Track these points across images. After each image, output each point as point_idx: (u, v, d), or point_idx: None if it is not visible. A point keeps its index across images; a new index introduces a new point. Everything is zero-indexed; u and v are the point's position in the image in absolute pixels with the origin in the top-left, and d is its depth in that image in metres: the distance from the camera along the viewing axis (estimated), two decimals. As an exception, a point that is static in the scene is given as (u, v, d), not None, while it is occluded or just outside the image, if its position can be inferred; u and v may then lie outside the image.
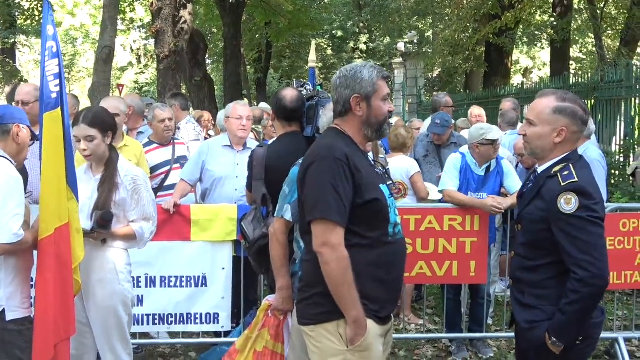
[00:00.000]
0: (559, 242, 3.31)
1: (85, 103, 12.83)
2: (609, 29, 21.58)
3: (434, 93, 16.51)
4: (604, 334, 6.04)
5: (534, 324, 3.42)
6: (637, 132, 10.66)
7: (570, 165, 3.40)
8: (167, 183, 6.64)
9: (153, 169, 6.58)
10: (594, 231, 3.27)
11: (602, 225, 3.32)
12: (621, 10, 19.89)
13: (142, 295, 5.75)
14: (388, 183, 3.59)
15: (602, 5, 18.07)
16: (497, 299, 7.50)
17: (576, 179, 3.31)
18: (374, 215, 3.30)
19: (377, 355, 3.35)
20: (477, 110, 9.89)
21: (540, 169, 3.54)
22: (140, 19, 31.83)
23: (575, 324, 3.32)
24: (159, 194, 6.43)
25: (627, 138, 10.80)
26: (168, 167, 6.69)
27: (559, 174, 3.37)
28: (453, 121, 8.22)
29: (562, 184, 3.31)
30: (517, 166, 7.00)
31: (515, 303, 3.58)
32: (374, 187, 3.32)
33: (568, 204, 3.27)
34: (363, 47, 37.87)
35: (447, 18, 24.89)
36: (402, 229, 3.51)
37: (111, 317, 4.40)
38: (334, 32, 37.07)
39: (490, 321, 6.93)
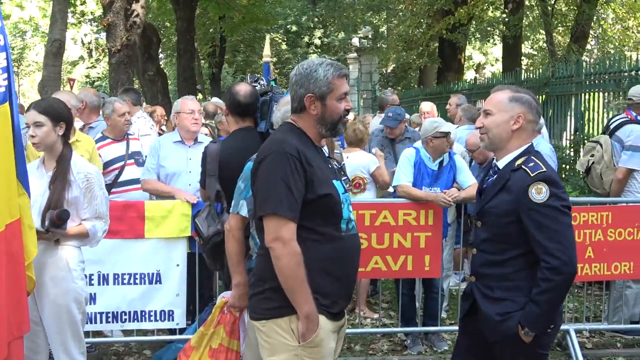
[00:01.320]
0: (529, 232, 3.37)
1: (34, 97, 12.57)
2: (559, 25, 21.90)
3: (383, 90, 16.66)
4: (555, 326, 6.16)
5: (507, 316, 3.46)
6: (586, 127, 10.85)
7: (532, 157, 3.48)
8: (121, 179, 6.56)
9: (107, 164, 6.50)
10: (564, 220, 3.37)
11: (570, 214, 3.43)
12: (571, 7, 20.21)
13: (95, 293, 5.65)
14: (342, 179, 3.59)
15: (552, 2, 18.32)
16: (451, 292, 7.58)
17: (544, 169, 3.40)
18: (325, 211, 3.29)
19: (329, 352, 3.36)
20: (426, 107, 9.94)
21: (500, 164, 3.58)
22: (91, 12, 31.28)
23: (547, 313, 3.40)
24: (112, 189, 6.36)
25: (577, 133, 10.98)
26: (122, 163, 6.61)
27: (524, 167, 3.43)
28: (408, 116, 8.27)
29: (532, 175, 3.38)
30: (470, 162, 7.08)
31: (483, 298, 3.58)
32: (326, 183, 3.31)
33: (539, 193, 3.34)
34: (317, 42, 37.85)
35: (401, 14, 25.04)
36: (356, 224, 3.51)
37: (64, 315, 4.33)
38: (288, 26, 36.99)
39: (444, 315, 7.00)
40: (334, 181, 3.39)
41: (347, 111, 3.44)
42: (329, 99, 3.36)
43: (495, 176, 3.61)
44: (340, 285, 3.38)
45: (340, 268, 3.35)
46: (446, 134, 6.20)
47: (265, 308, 3.33)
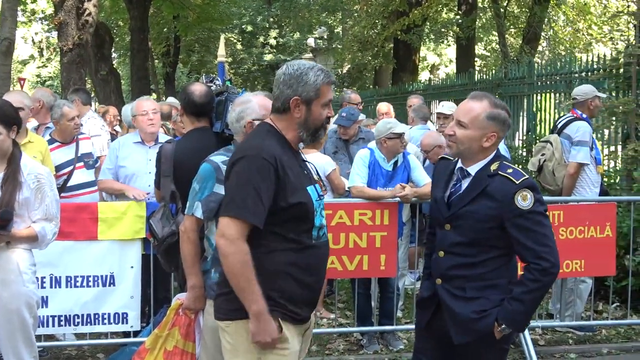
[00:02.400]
0: (515, 237, 3.44)
1: (-16, 97, 12.25)
2: (511, 27, 22.23)
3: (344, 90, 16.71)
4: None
5: (483, 313, 3.50)
6: (538, 127, 11.03)
7: (505, 163, 3.55)
8: (70, 183, 6.44)
9: (56, 169, 6.36)
10: (547, 223, 3.49)
11: (548, 217, 3.56)
12: (523, 9, 20.53)
13: (47, 296, 5.56)
14: (316, 180, 3.54)
15: (505, 4, 18.59)
16: (407, 291, 7.62)
17: (527, 176, 3.48)
18: (297, 219, 3.27)
19: (293, 354, 3.34)
20: (384, 108, 9.97)
21: (472, 170, 3.59)
22: (42, 11, 30.82)
23: (530, 311, 3.54)
24: (62, 194, 6.24)
25: (530, 133, 11.16)
26: (71, 167, 6.47)
27: (502, 173, 3.48)
28: (363, 116, 8.28)
29: (517, 182, 3.44)
30: (424, 162, 7.13)
31: (454, 299, 3.58)
32: (300, 191, 3.28)
33: (525, 200, 3.42)
34: (273, 42, 37.74)
35: (356, 14, 25.15)
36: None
37: (15, 319, 4.25)
38: (243, 26, 36.80)
39: (400, 314, 7.03)
40: (309, 188, 3.35)
41: (328, 118, 3.41)
42: (315, 104, 3.30)
43: (468, 181, 3.60)
44: (307, 292, 3.36)
45: (309, 275, 3.33)
46: (400, 135, 6.24)
47: (230, 309, 3.31)
